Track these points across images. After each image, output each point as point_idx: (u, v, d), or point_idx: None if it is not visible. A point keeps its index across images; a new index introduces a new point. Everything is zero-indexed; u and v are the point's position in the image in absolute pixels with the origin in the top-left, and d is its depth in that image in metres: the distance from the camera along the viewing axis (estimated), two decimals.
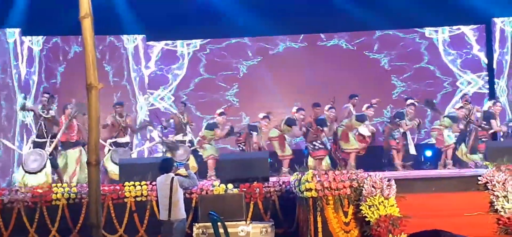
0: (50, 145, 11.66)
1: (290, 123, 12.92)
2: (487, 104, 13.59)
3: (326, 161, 12.75)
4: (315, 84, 15.44)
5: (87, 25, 5.26)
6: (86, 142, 11.86)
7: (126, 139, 12.55)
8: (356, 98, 13.25)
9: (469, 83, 15.79)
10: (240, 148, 12.95)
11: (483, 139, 12.64)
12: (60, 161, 12.01)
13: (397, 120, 13.10)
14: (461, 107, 13.09)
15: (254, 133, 12.61)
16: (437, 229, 8.34)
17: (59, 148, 12.08)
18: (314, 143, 12.75)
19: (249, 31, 15.73)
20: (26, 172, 11.30)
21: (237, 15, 14.90)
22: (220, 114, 12.84)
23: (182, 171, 9.65)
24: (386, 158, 13.17)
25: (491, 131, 12.83)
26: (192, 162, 12.40)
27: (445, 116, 13.55)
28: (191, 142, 13.09)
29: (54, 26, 14.63)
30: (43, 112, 11.81)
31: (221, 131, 12.74)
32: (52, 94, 12.66)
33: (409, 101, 13.43)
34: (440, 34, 15.95)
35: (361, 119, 12.94)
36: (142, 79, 15.66)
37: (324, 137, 12.73)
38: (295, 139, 14.02)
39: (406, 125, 13.04)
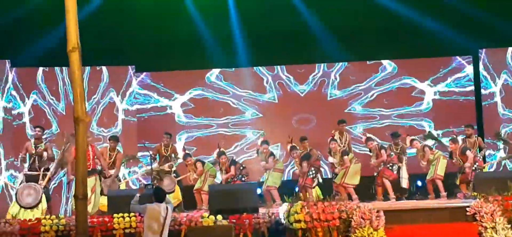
0: (43, 178, 11.60)
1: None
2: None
3: (316, 191, 12.64)
4: None
5: (75, 58, 5.27)
6: (102, 170, 11.85)
7: (112, 171, 12.42)
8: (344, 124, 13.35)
9: None
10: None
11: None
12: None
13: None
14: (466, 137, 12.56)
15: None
16: None
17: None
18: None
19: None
20: (21, 207, 11.22)
21: None
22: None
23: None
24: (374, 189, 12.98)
25: (467, 164, 11.83)
26: (177, 192, 12.46)
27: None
28: (175, 172, 13.06)
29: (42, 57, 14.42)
30: (36, 147, 11.79)
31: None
32: (43, 127, 12.58)
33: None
34: None
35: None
36: None
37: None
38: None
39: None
